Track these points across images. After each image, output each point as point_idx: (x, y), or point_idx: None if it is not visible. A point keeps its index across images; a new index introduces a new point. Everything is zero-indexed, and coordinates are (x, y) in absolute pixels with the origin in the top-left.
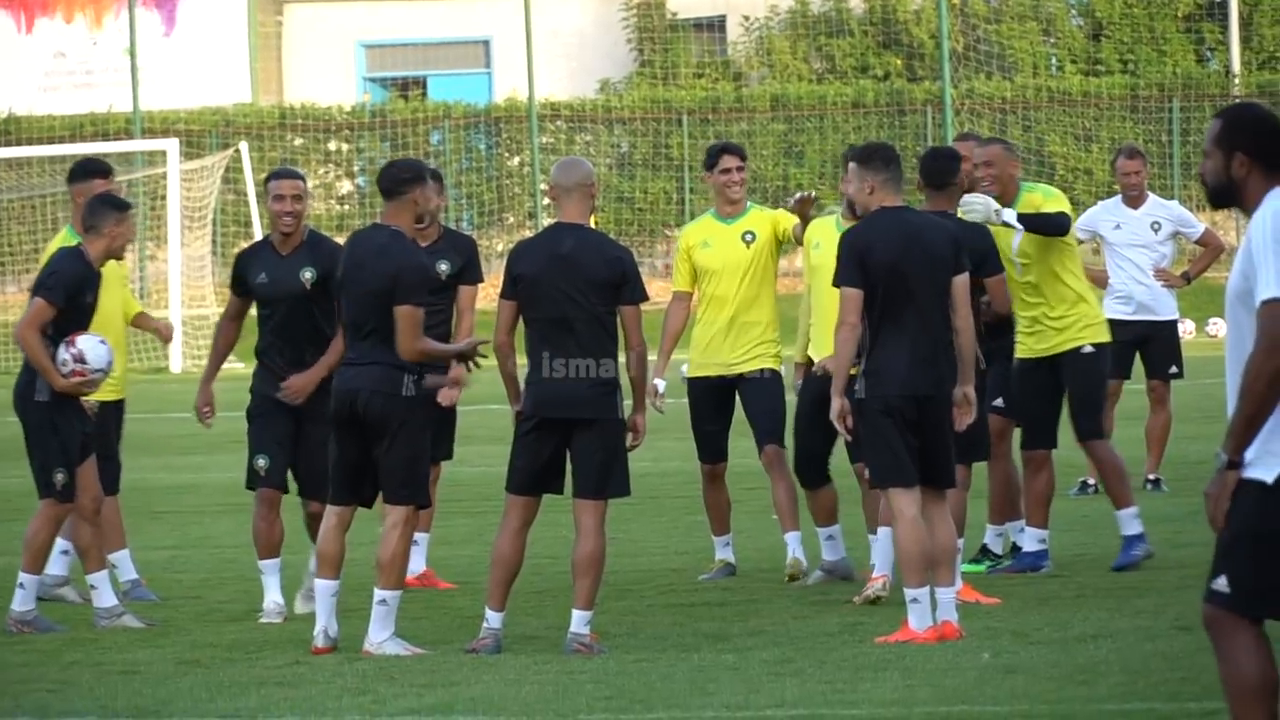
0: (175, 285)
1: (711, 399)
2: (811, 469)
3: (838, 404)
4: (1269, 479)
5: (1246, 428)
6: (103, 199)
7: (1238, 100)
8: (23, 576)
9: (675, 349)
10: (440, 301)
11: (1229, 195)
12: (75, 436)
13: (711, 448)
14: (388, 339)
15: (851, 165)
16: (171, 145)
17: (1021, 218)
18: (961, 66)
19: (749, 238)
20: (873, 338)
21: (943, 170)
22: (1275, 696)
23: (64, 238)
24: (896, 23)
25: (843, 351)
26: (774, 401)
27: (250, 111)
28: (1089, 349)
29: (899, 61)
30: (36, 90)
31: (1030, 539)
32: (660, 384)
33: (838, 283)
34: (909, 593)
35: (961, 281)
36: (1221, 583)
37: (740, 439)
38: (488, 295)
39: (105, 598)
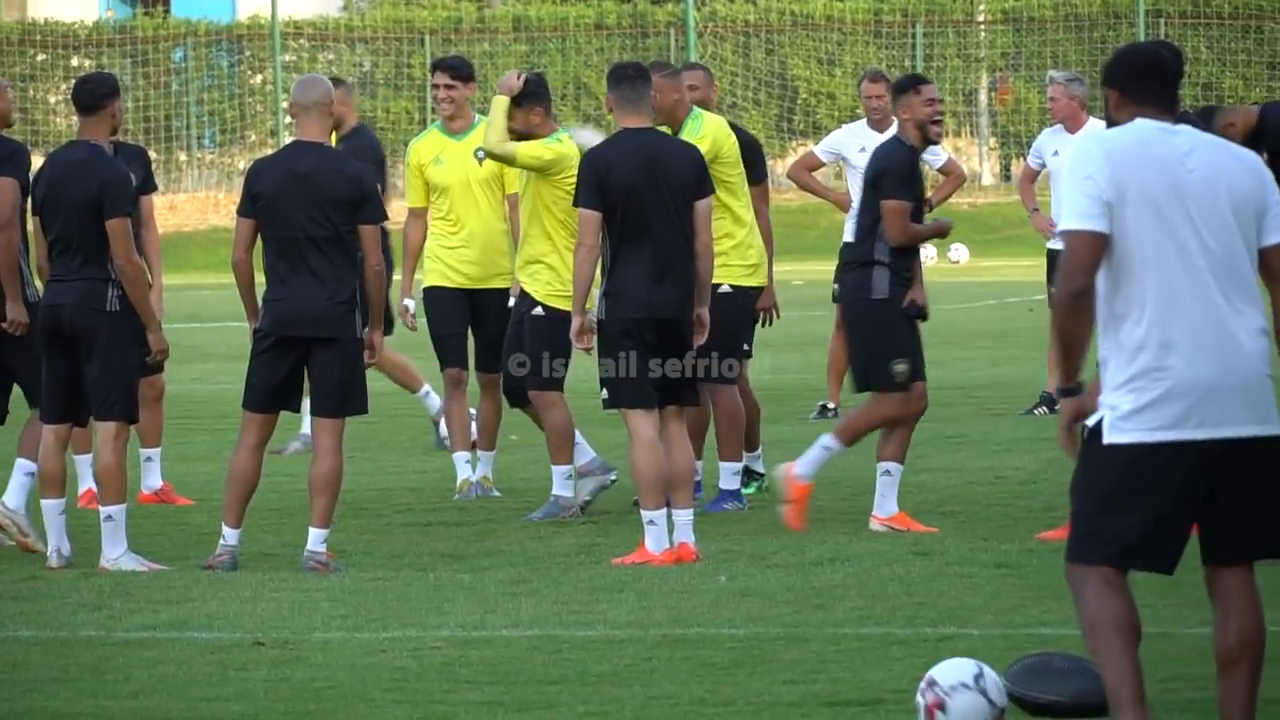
0: None
1: (449, 307)
2: (518, 393)
3: (577, 322)
4: (1089, 424)
5: (1062, 353)
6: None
7: (980, 25)
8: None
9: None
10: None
11: None
12: None
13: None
14: (93, 255)
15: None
16: None
17: None
18: None
19: (481, 155)
20: (613, 259)
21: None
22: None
23: None
24: None
25: (581, 272)
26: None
27: None
28: (726, 289)
29: None
30: None
31: (727, 472)
32: (410, 303)
33: (576, 203)
34: (645, 514)
35: (704, 205)
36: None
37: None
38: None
39: None
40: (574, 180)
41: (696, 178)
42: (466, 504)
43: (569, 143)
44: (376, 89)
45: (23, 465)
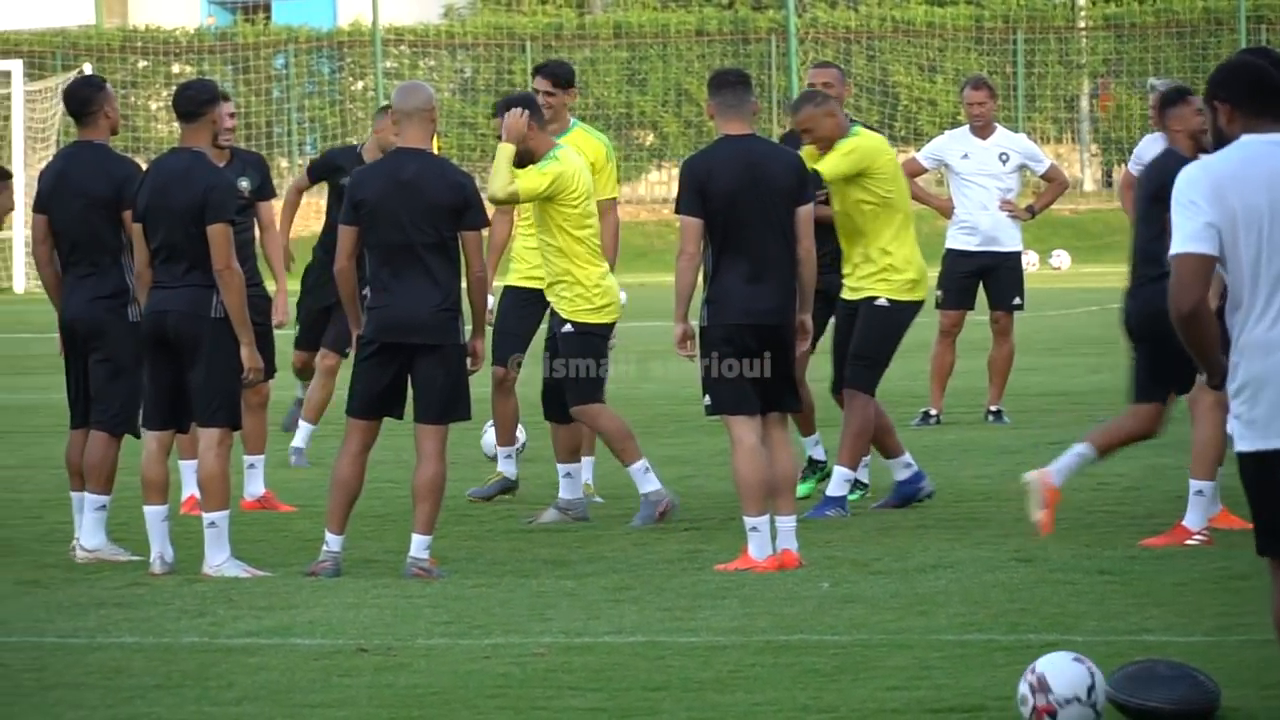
0: (20, 206)
1: (522, 308)
2: (555, 403)
3: (679, 329)
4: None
5: (1197, 360)
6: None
7: (1081, 31)
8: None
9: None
10: (244, 220)
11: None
12: None
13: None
14: (198, 261)
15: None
16: (15, 66)
17: None
18: None
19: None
20: (715, 266)
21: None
22: None
23: None
24: None
25: (683, 280)
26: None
27: (94, 33)
28: (884, 302)
29: None
30: None
31: (839, 478)
32: (490, 300)
33: (677, 210)
34: (748, 521)
35: (805, 211)
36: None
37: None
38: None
39: None
40: (579, 195)
41: (797, 184)
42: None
43: (566, 156)
44: (478, 95)
45: (91, 501)
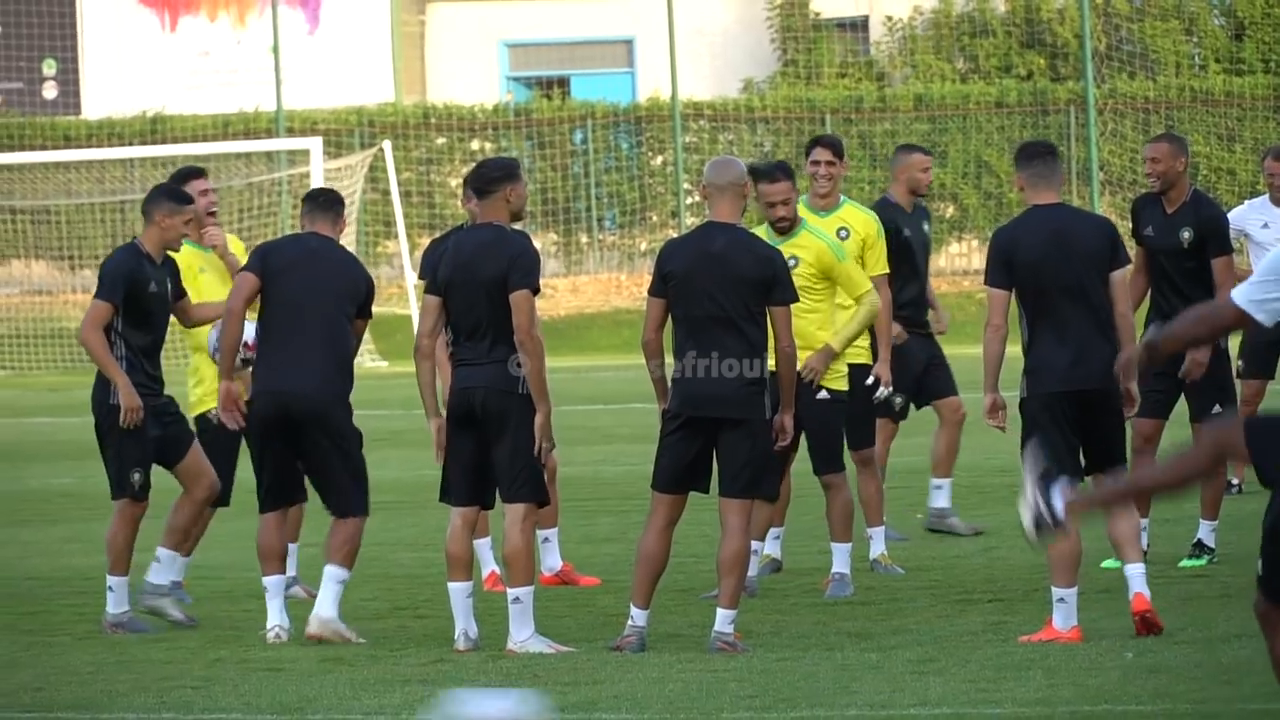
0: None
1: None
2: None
3: (989, 400)
4: None
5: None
6: (161, 189)
7: None
8: (110, 580)
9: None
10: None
11: None
12: (148, 437)
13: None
14: (501, 336)
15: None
16: (315, 144)
17: None
18: (1104, 66)
19: (843, 233)
20: (1030, 336)
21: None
22: None
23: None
24: (1039, 22)
25: (991, 350)
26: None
27: (393, 111)
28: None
29: (1042, 61)
30: (182, 89)
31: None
32: None
33: (986, 282)
34: (1056, 592)
35: (1119, 275)
36: (1259, 566)
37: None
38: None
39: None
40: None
41: (1110, 249)
42: (872, 582)
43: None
44: None
45: (276, 584)
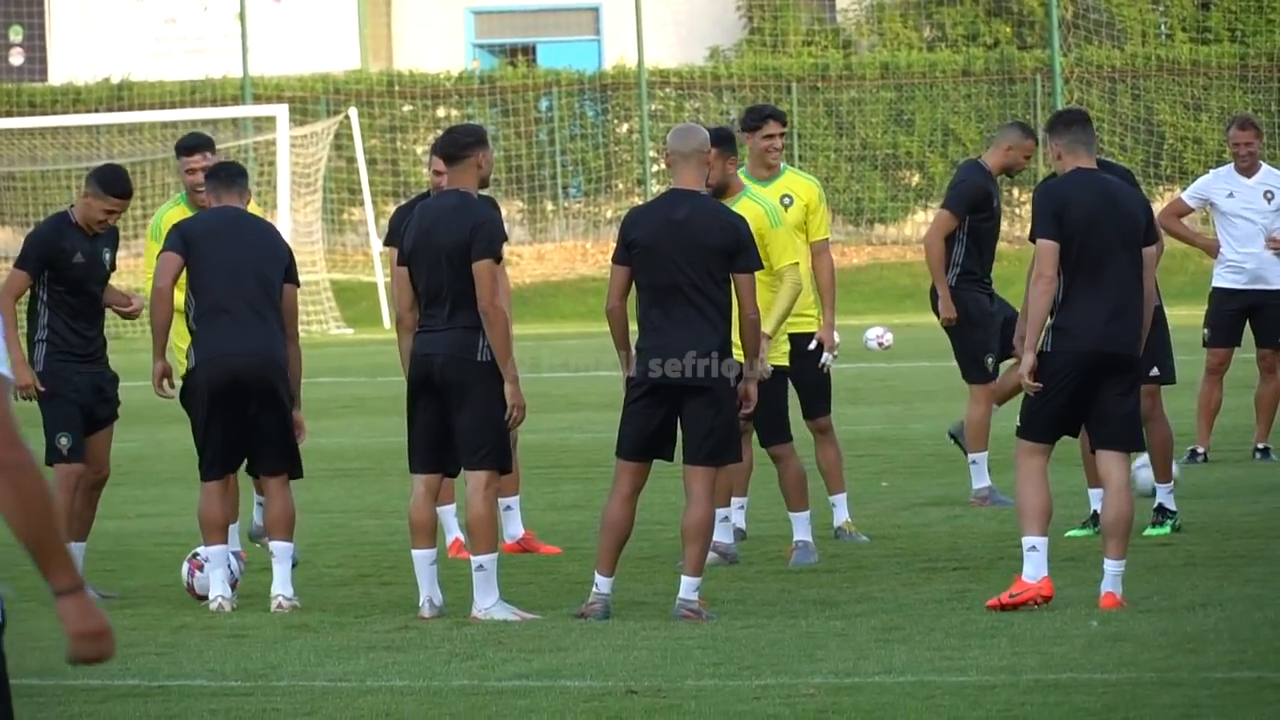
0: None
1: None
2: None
3: (1029, 359)
4: None
5: None
6: (97, 172)
7: None
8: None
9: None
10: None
11: None
12: (71, 401)
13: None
14: (461, 302)
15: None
16: (281, 111)
17: None
18: (1071, 34)
19: (787, 200)
20: (1065, 293)
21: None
22: None
23: (174, 203)
24: None
25: (1039, 304)
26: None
27: (359, 78)
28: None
29: (1009, 29)
30: (148, 56)
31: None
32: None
33: (1034, 235)
34: (1027, 541)
35: (1151, 252)
36: None
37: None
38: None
39: None
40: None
41: (1147, 223)
42: (837, 550)
43: (750, 202)
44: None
45: (219, 554)
